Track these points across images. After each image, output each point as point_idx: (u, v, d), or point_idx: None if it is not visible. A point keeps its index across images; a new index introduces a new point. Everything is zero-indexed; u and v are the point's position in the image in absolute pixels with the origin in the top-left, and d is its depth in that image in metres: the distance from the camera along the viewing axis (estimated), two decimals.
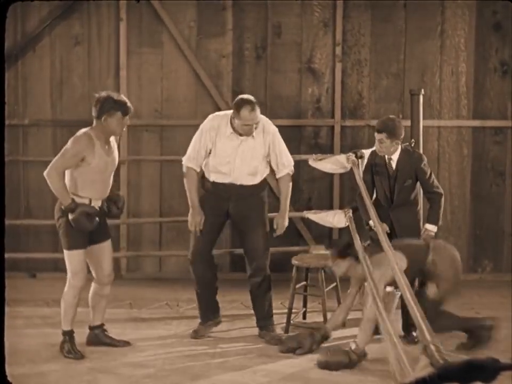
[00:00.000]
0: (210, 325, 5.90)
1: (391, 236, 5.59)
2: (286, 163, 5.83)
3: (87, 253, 5.34)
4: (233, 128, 5.64)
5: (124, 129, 5.36)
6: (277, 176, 5.90)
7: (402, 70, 7.66)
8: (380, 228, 4.90)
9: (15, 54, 7.56)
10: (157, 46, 7.64)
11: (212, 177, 5.77)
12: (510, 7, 7.44)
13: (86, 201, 5.23)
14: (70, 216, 5.14)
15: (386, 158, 5.79)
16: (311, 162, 6.16)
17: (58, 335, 5.42)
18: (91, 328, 5.58)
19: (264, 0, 7.60)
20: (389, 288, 5.74)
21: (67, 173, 5.26)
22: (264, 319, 5.87)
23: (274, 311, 6.26)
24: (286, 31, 7.63)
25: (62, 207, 5.20)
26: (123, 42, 7.57)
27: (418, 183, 5.85)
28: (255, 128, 5.61)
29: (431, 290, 5.24)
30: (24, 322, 6.04)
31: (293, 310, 6.02)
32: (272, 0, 7.60)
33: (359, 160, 6.22)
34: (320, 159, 6.17)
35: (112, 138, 5.40)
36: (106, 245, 5.44)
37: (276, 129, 5.82)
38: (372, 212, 5.22)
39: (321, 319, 5.94)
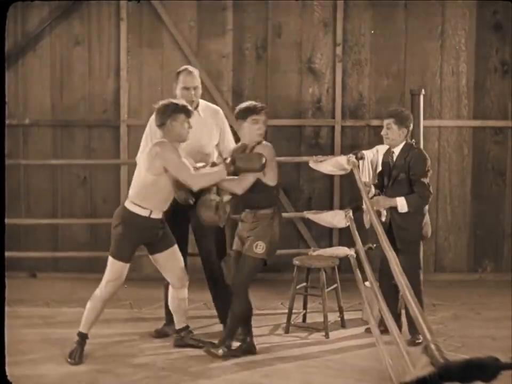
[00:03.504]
0: (173, 329, 5.70)
1: (389, 235, 5.48)
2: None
3: (155, 262, 5.41)
4: None
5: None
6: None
7: (402, 70, 7.66)
8: (379, 229, 4.89)
9: (15, 53, 7.56)
10: (157, 46, 7.63)
11: None
12: (510, 7, 7.45)
13: (147, 213, 5.20)
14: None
15: (391, 151, 5.81)
16: (311, 164, 6.15)
17: (58, 335, 5.42)
18: (177, 331, 5.59)
19: (264, 0, 7.60)
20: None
21: (140, 182, 5.22)
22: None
23: (275, 311, 6.27)
24: (286, 31, 7.63)
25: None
26: (123, 42, 7.56)
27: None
28: (195, 96, 5.64)
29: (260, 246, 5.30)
30: (24, 322, 6.03)
31: (293, 311, 6.01)
32: (273, 0, 7.60)
33: (359, 161, 6.22)
34: (321, 161, 6.17)
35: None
36: (171, 252, 5.39)
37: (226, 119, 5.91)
38: (372, 212, 5.22)
39: (321, 319, 5.94)
